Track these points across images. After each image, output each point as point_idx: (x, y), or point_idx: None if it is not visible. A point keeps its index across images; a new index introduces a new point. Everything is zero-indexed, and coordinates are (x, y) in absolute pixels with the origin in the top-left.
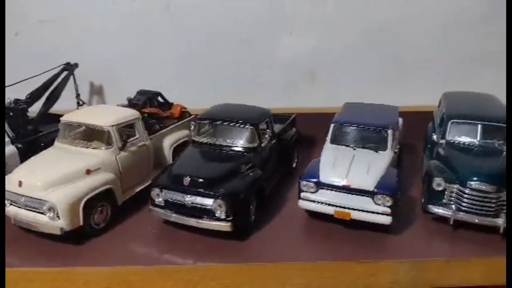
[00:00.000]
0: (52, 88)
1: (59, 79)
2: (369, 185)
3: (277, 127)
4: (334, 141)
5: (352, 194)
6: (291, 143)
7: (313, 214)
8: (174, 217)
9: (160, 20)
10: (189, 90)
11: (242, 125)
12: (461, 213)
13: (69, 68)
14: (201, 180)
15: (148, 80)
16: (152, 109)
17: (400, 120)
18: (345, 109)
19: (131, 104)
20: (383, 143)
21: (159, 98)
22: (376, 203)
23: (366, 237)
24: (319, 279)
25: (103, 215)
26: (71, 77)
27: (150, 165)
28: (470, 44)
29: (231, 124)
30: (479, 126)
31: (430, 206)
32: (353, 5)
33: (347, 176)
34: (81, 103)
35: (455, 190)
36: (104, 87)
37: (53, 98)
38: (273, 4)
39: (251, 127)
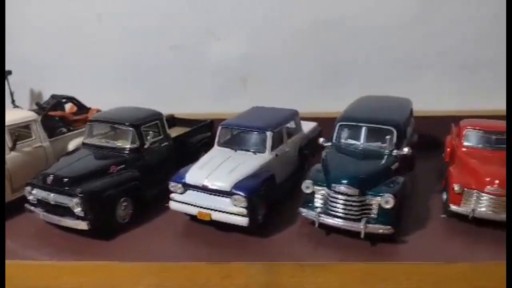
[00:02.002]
0: None
1: None
2: (226, 186)
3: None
4: (220, 143)
5: (213, 195)
6: (197, 147)
7: (193, 217)
8: (43, 215)
9: (92, 28)
10: (123, 97)
11: (122, 126)
12: (326, 216)
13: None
14: (62, 179)
15: (81, 87)
16: (59, 112)
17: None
18: (242, 113)
19: (39, 107)
20: (262, 145)
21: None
22: (233, 204)
23: (232, 239)
24: (172, 279)
25: None
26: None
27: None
28: (403, 47)
29: (114, 125)
30: (363, 128)
31: (300, 208)
32: (281, 10)
33: (208, 176)
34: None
35: (323, 193)
36: (43, 93)
37: None
38: (199, 11)
39: (130, 128)
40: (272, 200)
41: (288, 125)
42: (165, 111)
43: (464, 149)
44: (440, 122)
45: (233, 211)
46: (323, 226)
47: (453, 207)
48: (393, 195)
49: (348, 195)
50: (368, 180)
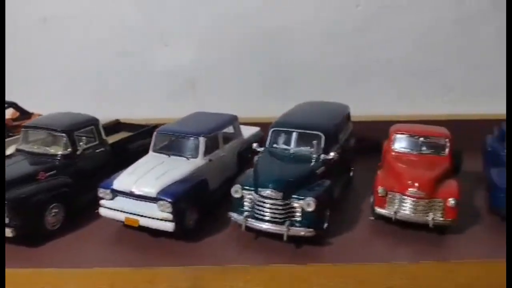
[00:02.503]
0: None
1: None
2: (152, 192)
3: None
4: (155, 148)
5: (140, 200)
6: (138, 152)
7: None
8: None
9: (38, 33)
10: (72, 103)
11: (55, 132)
12: (252, 220)
13: None
14: None
15: (27, 93)
16: None
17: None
18: (181, 119)
19: None
20: (195, 150)
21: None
22: (159, 210)
23: (162, 244)
24: (95, 285)
25: None
26: None
27: None
28: (347, 54)
29: (48, 131)
30: (294, 134)
31: (229, 212)
32: (227, 16)
33: (136, 182)
34: None
35: (250, 197)
36: None
37: None
38: (147, 17)
39: (63, 134)
40: (204, 205)
41: (225, 130)
42: (115, 116)
43: (393, 153)
44: (386, 127)
45: (159, 217)
46: (252, 229)
47: (378, 210)
48: (315, 198)
49: (273, 199)
50: (292, 184)
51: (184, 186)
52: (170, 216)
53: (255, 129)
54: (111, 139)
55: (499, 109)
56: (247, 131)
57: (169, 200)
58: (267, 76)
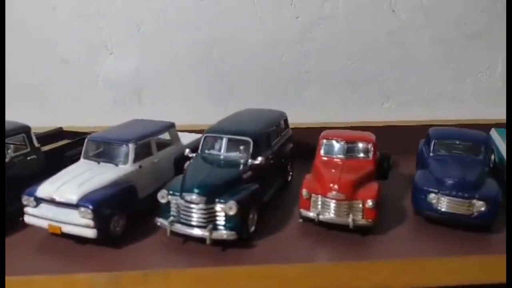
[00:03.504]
0: None
1: None
2: (73, 198)
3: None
4: (86, 156)
5: (62, 207)
6: (74, 160)
7: None
8: None
9: None
10: (16, 111)
11: None
12: (178, 224)
13: None
14: None
15: None
16: None
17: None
18: (115, 126)
19: None
20: (124, 157)
21: None
22: (81, 216)
23: (86, 250)
24: None
25: None
26: None
27: None
28: (289, 63)
29: None
30: (224, 139)
31: (156, 218)
32: (171, 25)
33: (58, 189)
34: None
35: (176, 202)
36: None
37: None
38: (91, 25)
39: None
40: (133, 211)
41: (159, 136)
42: (59, 124)
43: (320, 158)
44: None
45: (81, 224)
46: (179, 234)
47: (303, 212)
48: (237, 202)
49: (197, 203)
50: (216, 188)
51: (107, 192)
52: (91, 223)
53: (197, 136)
54: (52, 147)
55: (435, 115)
56: (188, 138)
57: (90, 207)
58: (211, 85)
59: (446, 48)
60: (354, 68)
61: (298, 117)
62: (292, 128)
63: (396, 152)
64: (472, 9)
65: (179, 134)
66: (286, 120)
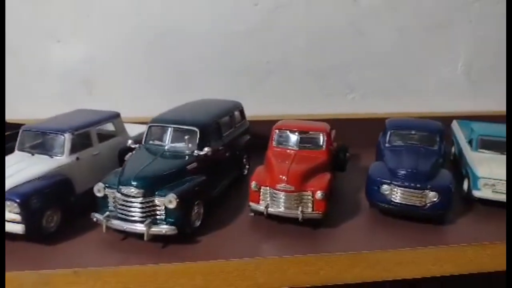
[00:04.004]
0: None
1: None
2: None
3: None
4: (22, 147)
5: None
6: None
7: None
8: None
9: None
10: None
11: None
12: (114, 219)
13: None
14: None
15: None
16: None
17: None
18: (55, 116)
19: None
20: (60, 148)
21: None
22: (7, 210)
23: (18, 248)
24: None
25: None
26: None
27: None
28: (247, 53)
29: None
30: (169, 129)
31: (93, 213)
32: (121, 11)
33: None
34: None
35: (113, 195)
36: None
37: None
38: (37, 11)
39: None
40: (69, 206)
41: (102, 127)
42: (7, 116)
43: (273, 149)
44: None
45: (8, 218)
46: (119, 231)
47: (253, 205)
48: (177, 195)
49: (134, 197)
50: (155, 180)
51: (37, 185)
52: (19, 218)
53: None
54: None
55: (398, 107)
56: (138, 130)
57: (17, 200)
58: (166, 75)
59: (408, 39)
60: (316, 58)
61: (259, 109)
62: (252, 120)
63: (360, 144)
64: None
65: (130, 126)
66: (242, 111)
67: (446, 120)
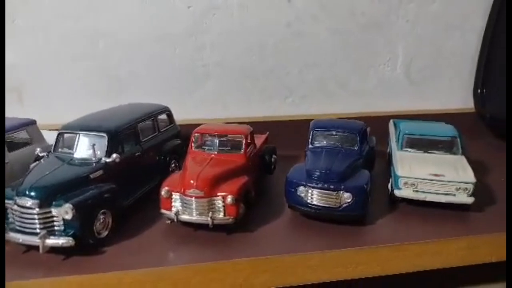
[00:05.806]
0: None
1: None
2: None
3: None
4: None
5: None
6: None
7: None
8: None
9: None
10: None
11: None
12: (11, 232)
13: None
14: None
15: None
16: None
17: None
18: None
19: None
20: None
21: None
22: None
23: None
24: None
25: None
26: None
27: None
28: (182, 57)
29: None
30: (77, 136)
31: None
32: (48, 16)
33: None
34: None
35: (11, 207)
36: None
37: None
38: None
39: None
40: None
41: (13, 135)
42: None
43: (192, 154)
44: None
45: None
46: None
47: (164, 212)
48: (73, 205)
49: (29, 208)
50: (54, 190)
51: None
52: None
53: None
54: None
55: (338, 108)
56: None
57: None
58: (98, 80)
59: (345, 39)
60: (253, 61)
61: (197, 113)
62: (189, 124)
63: (296, 146)
64: None
65: (50, 133)
66: (170, 115)
67: (388, 119)
